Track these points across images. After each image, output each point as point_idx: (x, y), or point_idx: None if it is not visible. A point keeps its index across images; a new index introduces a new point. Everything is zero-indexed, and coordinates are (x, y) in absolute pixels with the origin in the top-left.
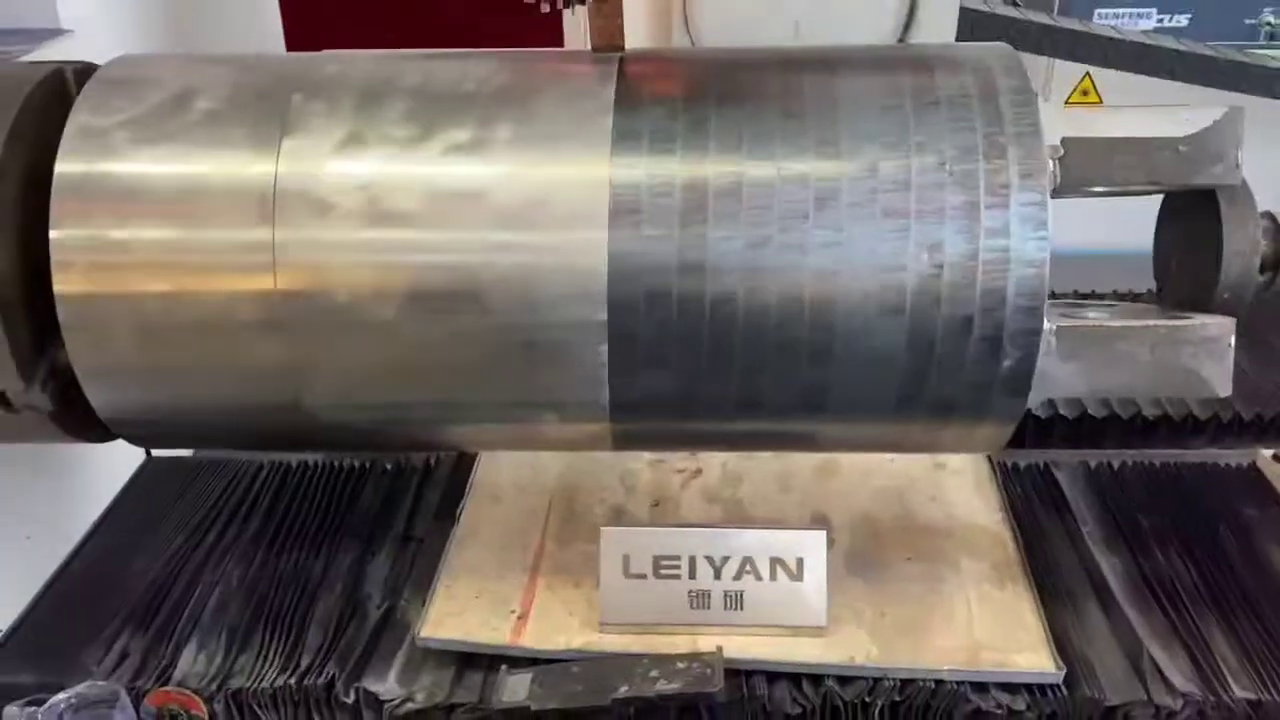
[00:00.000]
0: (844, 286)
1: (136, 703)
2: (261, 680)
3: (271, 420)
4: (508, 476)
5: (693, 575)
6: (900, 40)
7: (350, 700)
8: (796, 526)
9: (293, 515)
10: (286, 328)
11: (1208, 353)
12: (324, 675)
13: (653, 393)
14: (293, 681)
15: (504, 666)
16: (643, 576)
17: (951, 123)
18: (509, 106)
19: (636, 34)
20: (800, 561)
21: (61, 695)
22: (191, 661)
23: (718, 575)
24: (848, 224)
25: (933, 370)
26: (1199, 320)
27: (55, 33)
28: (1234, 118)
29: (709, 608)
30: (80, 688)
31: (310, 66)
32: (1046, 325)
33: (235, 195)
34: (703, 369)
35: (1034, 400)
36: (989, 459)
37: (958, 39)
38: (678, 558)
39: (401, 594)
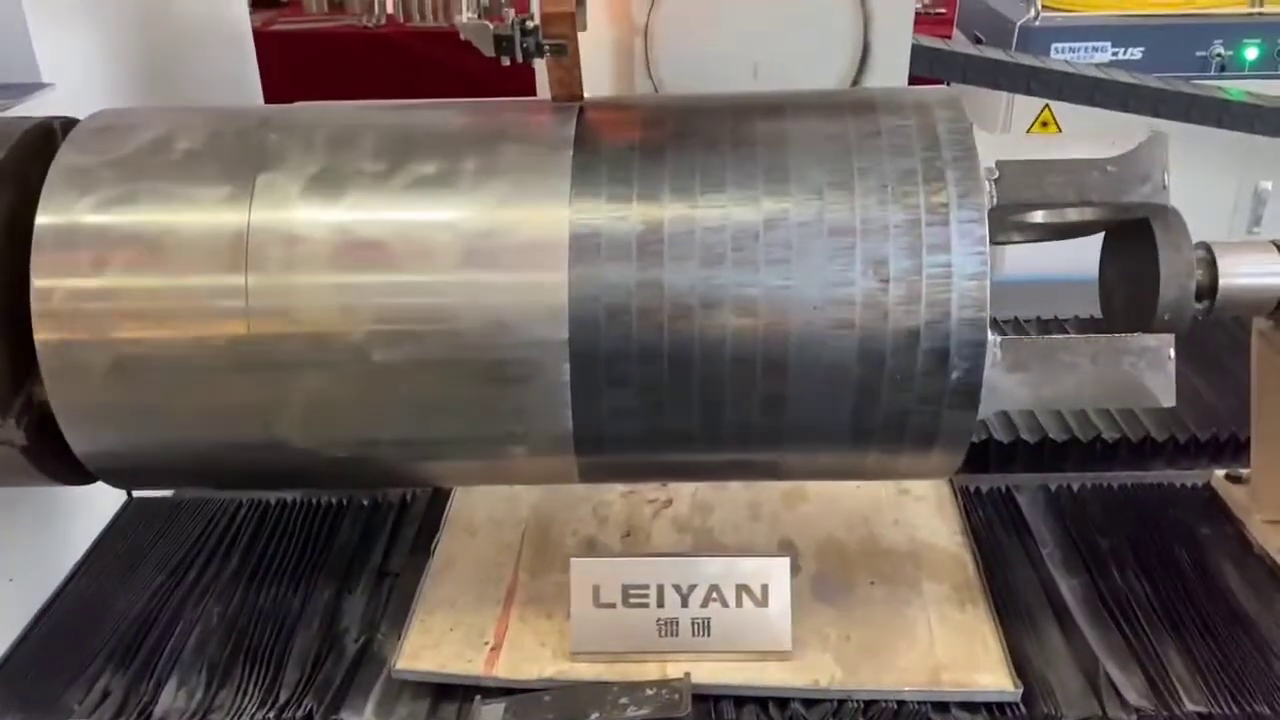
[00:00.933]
0: (795, 300)
1: None
2: (241, 715)
3: (248, 459)
4: (482, 510)
5: (661, 603)
6: (855, 81)
7: None
8: (761, 554)
9: (271, 552)
10: (260, 369)
11: (1148, 363)
12: (302, 709)
13: (615, 410)
14: (271, 715)
15: (478, 697)
16: (612, 606)
17: (892, 151)
18: (474, 150)
19: (602, 81)
20: (765, 588)
21: None
22: (172, 698)
23: (685, 603)
24: (796, 241)
25: (885, 383)
26: (1138, 334)
27: (37, 87)
28: (1158, 141)
29: (677, 635)
30: None
31: (287, 112)
32: (991, 337)
33: (209, 239)
34: (663, 384)
35: (985, 412)
36: (951, 484)
37: (912, 77)
38: (646, 586)
39: (378, 628)
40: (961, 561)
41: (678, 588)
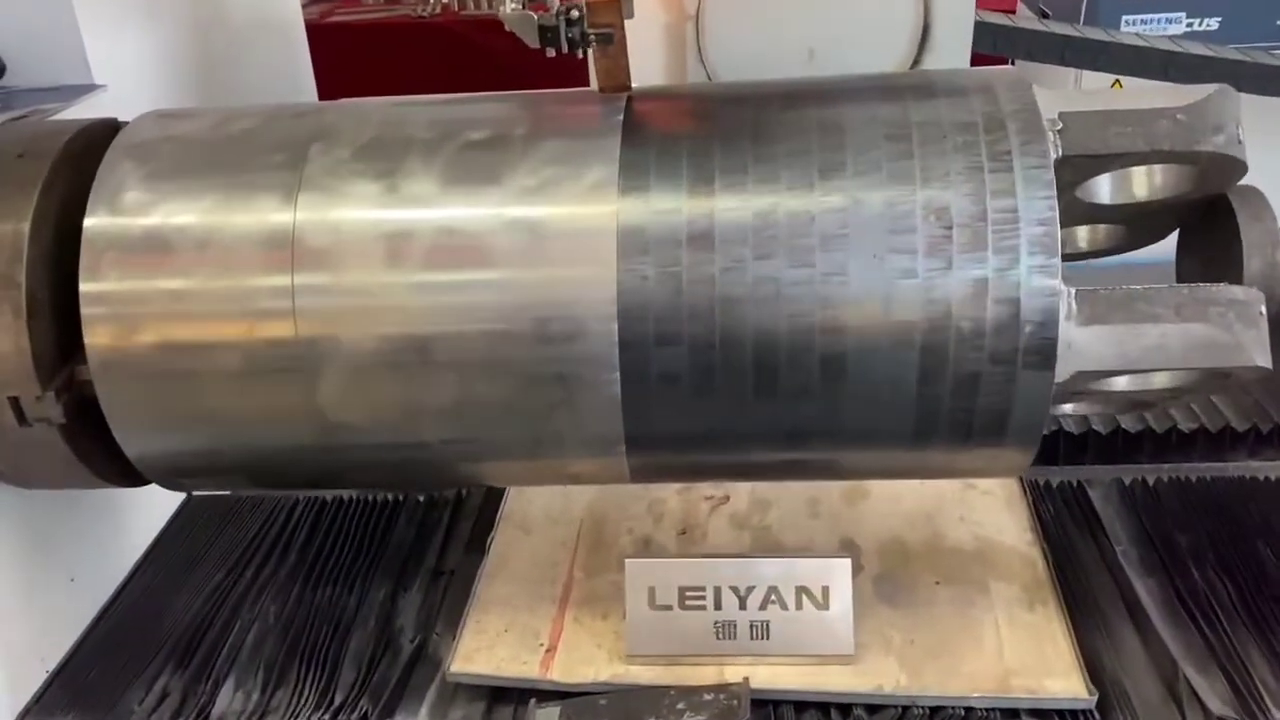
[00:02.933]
0: (853, 248)
1: None
2: (297, 716)
3: (298, 460)
4: (537, 507)
5: (718, 605)
6: (915, 63)
7: None
8: (821, 554)
9: (328, 550)
10: (307, 370)
11: (1237, 315)
12: (357, 711)
13: (665, 375)
14: (327, 718)
15: (533, 700)
16: (668, 608)
17: (950, 106)
18: (522, 139)
19: (654, 67)
20: (826, 590)
21: None
22: (229, 699)
23: (743, 605)
24: (854, 190)
25: (952, 339)
26: (1225, 285)
27: (89, 88)
28: (1227, 93)
29: (735, 638)
30: None
31: (341, 103)
32: (1065, 287)
33: (257, 232)
34: (715, 343)
35: (1063, 373)
36: (1019, 478)
37: (974, 56)
38: (702, 588)
39: (433, 627)
40: (1030, 560)
41: (735, 589)
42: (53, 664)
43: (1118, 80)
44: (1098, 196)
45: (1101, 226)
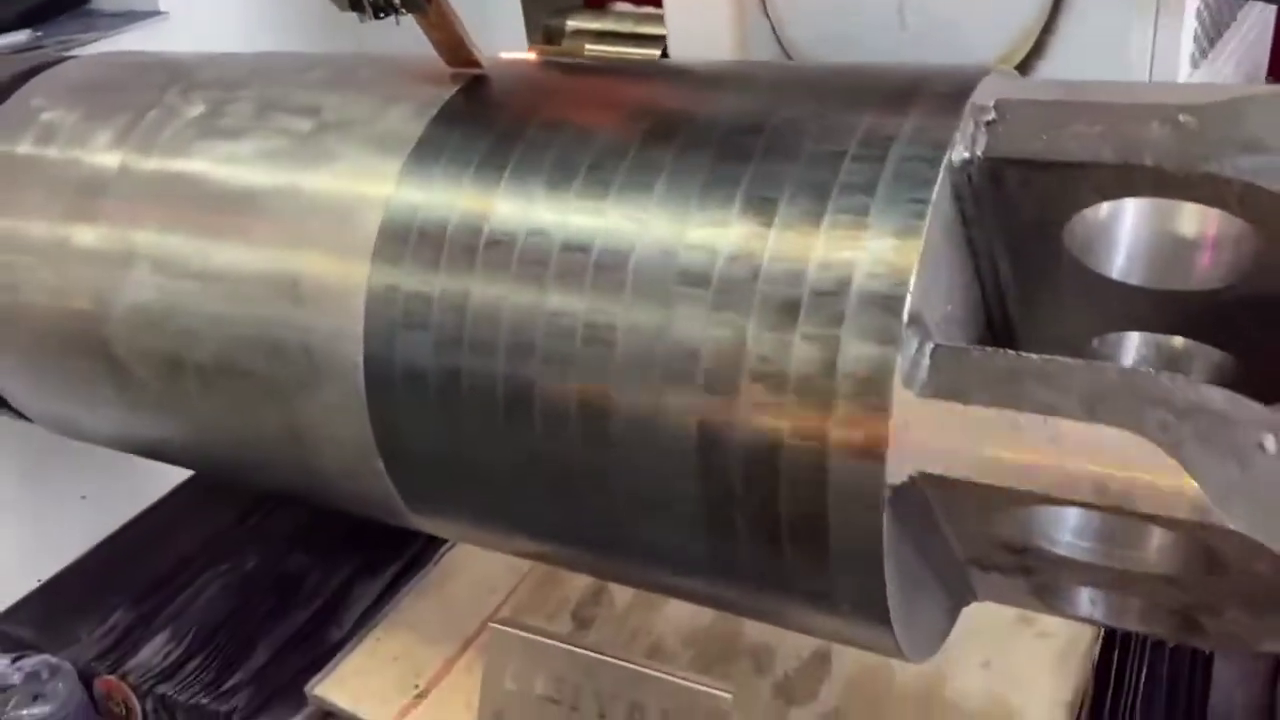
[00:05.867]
0: (640, 239)
1: (88, 682)
2: (186, 691)
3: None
4: None
5: (575, 707)
6: (1046, 30)
7: None
8: (701, 682)
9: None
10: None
11: (1199, 431)
12: (233, 701)
13: (411, 370)
14: (206, 700)
15: None
16: (526, 692)
17: (847, 90)
18: (318, 107)
19: (719, 18)
20: None
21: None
22: (150, 654)
23: (602, 716)
24: (671, 163)
25: (743, 379)
26: (1188, 380)
27: (150, 14)
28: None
29: None
30: (33, 659)
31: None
32: (912, 334)
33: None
34: (464, 337)
35: (897, 473)
36: None
37: None
38: (563, 680)
39: (377, 623)
40: None
41: (598, 695)
42: (45, 577)
43: None
44: (1100, 256)
45: (1188, 344)
